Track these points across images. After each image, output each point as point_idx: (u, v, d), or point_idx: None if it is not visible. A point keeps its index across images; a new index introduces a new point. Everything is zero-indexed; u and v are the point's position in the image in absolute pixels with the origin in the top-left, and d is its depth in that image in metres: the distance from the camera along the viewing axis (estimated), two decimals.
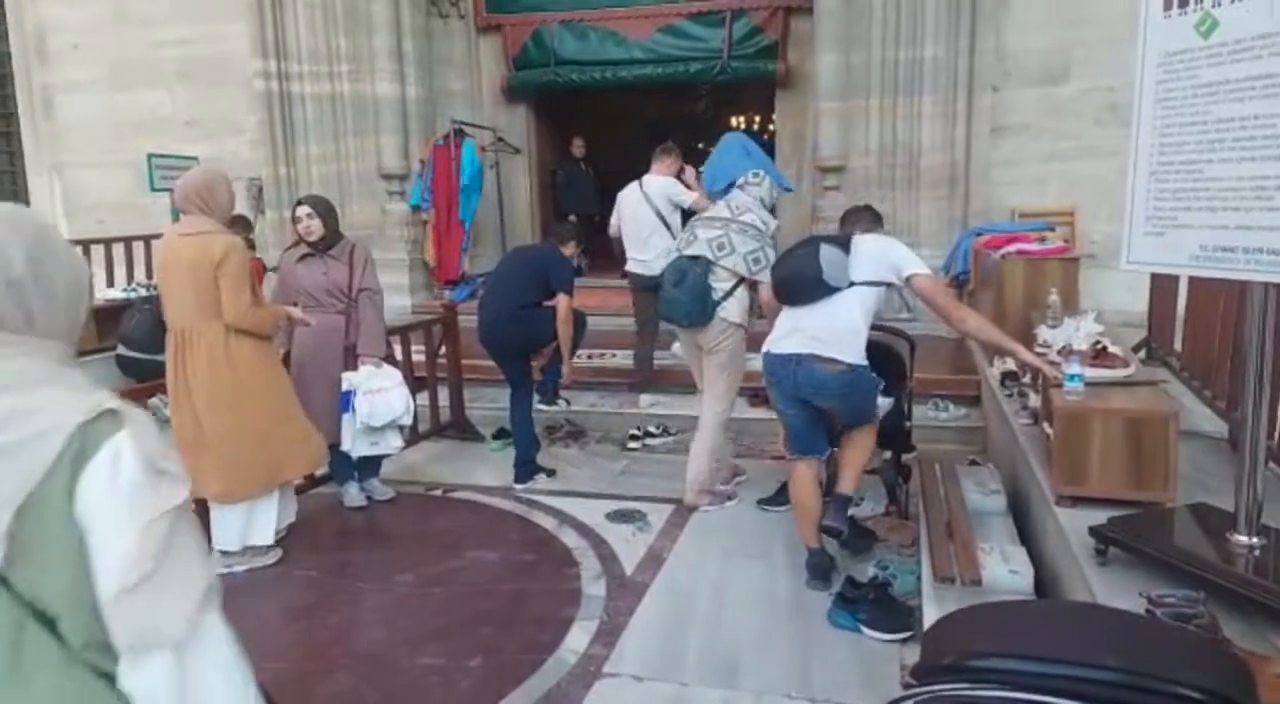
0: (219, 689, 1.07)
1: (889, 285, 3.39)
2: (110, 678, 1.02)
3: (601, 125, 10.25)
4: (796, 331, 3.32)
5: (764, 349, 3.45)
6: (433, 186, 7.73)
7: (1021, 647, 1.15)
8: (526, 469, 4.71)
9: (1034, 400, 3.60)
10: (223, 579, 3.38)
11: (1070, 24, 6.04)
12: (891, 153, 6.20)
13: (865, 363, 3.30)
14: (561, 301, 4.57)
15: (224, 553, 3.67)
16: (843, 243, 3.38)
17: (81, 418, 1.00)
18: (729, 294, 3.96)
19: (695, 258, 3.95)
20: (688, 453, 5.03)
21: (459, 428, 5.48)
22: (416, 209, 7.85)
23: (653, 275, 5.14)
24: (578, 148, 9.31)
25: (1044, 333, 3.61)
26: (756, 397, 5.53)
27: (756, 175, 4.10)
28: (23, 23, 8.17)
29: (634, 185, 5.64)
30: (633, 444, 5.29)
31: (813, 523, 3.41)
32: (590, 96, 9.94)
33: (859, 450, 3.44)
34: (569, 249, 4.84)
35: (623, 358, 6.12)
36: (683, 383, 5.79)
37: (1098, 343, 3.20)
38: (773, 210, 4.27)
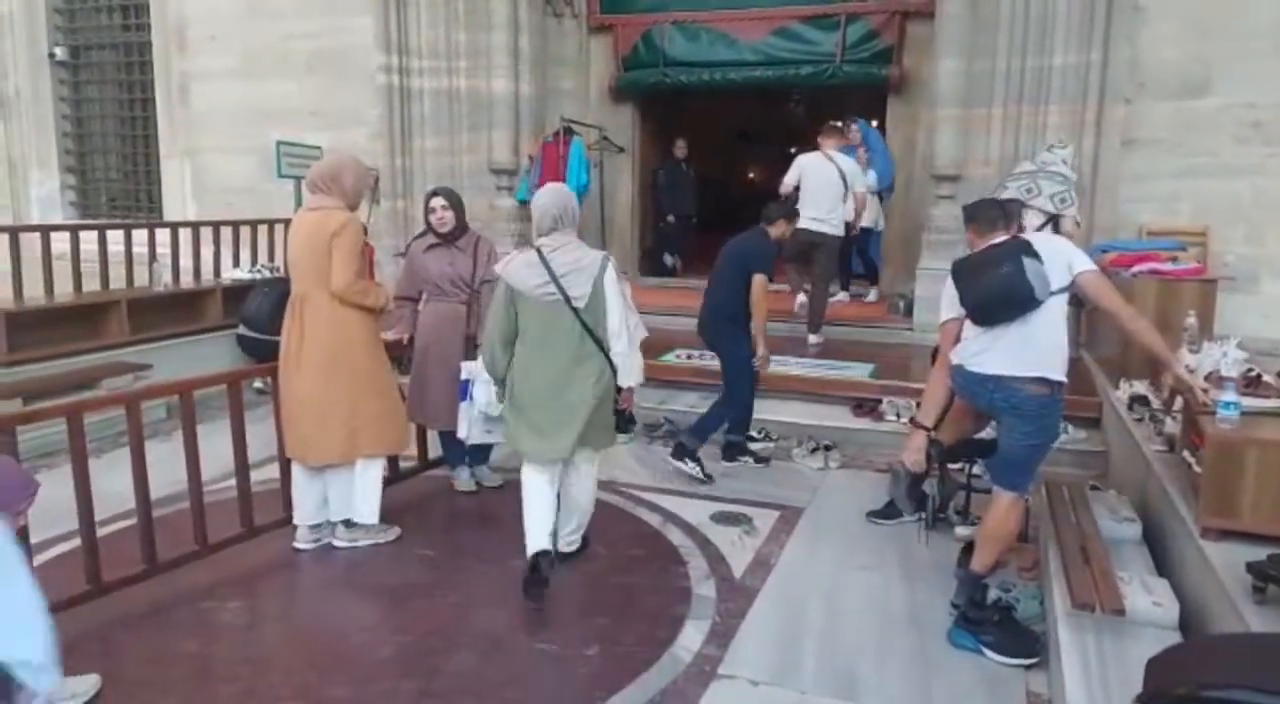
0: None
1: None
2: (606, 352, 3.39)
3: (694, 128, 10.27)
4: (995, 349, 3.05)
5: (954, 361, 3.23)
6: (539, 182, 7.85)
7: (1261, 679, 1.11)
8: (734, 448, 4.96)
9: (1170, 426, 3.47)
10: (346, 553, 3.52)
11: (1212, 35, 5.77)
12: (1013, 163, 6.01)
13: (1064, 382, 3.05)
14: (756, 281, 4.70)
15: (348, 526, 3.82)
16: (1027, 248, 3.01)
17: (600, 256, 3.40)
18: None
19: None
20: (789, 459, 5.05)
21: None
22: (524, 204, 7.99)
23: (824, 232, 6.49)
24: (680, 149, 9.34)
25: (1185, 357, 3.47)
26: (860, 406, 5.47)
27: (1061, 141, 5.51)
28: (166, 15, 8.60)
29: (817, 154, 6.62)
30: None
31: (938, 406, 3.45)
32: (693, 99, 9.97)
33: (1000, 522, 3.09)
34: (777, 229, 5.00)
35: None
36: (784, 389, 5.79)
37: (1250, 370, 3.06)
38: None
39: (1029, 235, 3.20)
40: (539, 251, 3.39)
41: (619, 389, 3.53)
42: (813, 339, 6.60)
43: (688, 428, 4.94)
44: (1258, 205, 5.69)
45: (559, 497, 3.58)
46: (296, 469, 3.81)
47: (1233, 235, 5.72)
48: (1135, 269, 4.72)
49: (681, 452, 4.76)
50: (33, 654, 1.76)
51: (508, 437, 3.61)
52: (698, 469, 4.72)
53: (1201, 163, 5.84)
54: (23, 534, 2.60)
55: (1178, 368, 3.07)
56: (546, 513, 3.48)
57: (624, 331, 3.42)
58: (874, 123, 8.07)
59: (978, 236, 3.25)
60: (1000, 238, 3.18)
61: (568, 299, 3.33)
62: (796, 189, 6.53)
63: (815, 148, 6.68)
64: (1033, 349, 2.98)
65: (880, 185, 7.53)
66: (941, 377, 3.35)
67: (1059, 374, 3.00)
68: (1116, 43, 5.86)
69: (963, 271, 3.17)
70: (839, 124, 6.92)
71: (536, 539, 3.42)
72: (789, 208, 5.22)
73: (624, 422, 3.80)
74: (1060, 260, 3.03)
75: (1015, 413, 3.02)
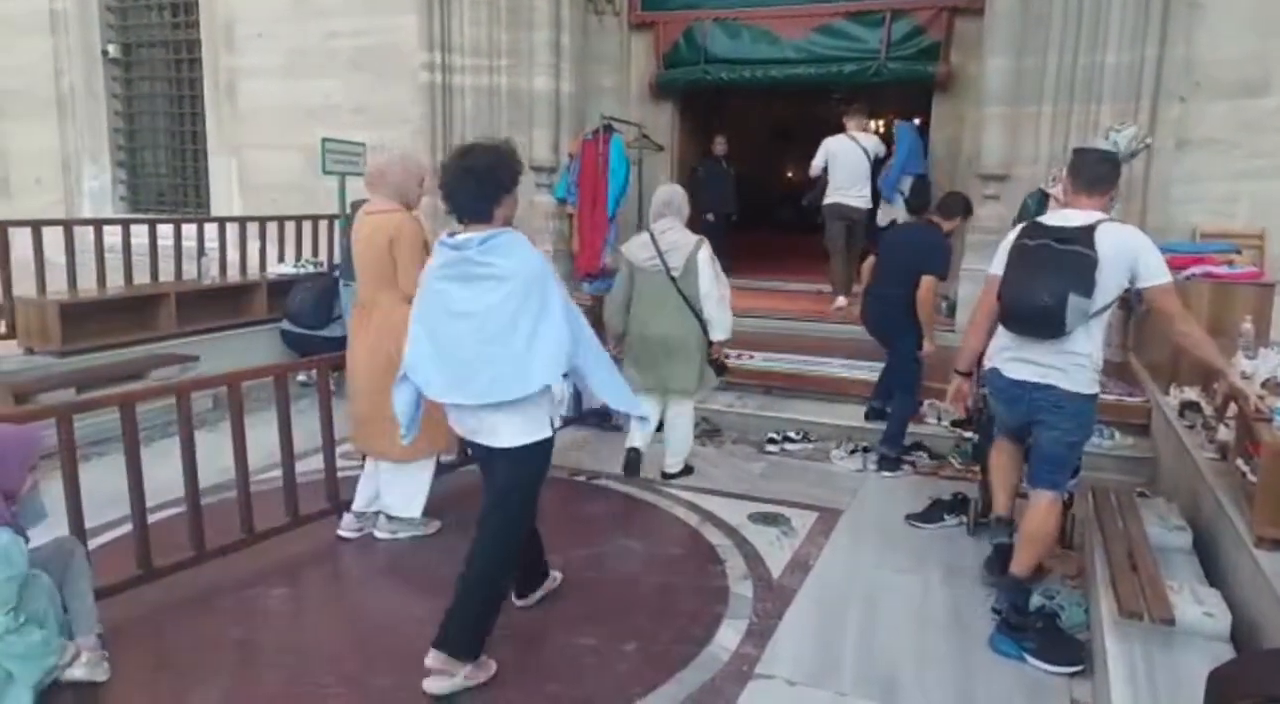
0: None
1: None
2: (698, 314, 4.38)
3: (733, 127, 10.22)
4: (1027, 362, 3.02)
5: (988, 365, 3.21)
6: (579, 181, 7.86)
7: None
8: (894, 447, 4.84)
9: (1223, 433, 3.39)
10: (388, 544, 3.56)
11: (1272, 32, 5.61)
12: (1062, 164, 5.90)
13: (1098, 391, 3.05)
14: (925, 284, 4.65)
15: (390, 518, 3.87)
16: (1082, 272, 2.83)
17: (695, 239, 4.39)
18: None
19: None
20: (827, 460, 5.02)
21: (600, 416, 5.57)
22: (562, 202, 8.02)
23: (856, 207, 7.22)
24: (719, 146, 9.29)
25: (1241, 362, 3.38)
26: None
27: (1122, 123, 5.15)
28: (214, 13, 8.76)
29: (843, 137, 7.29)
30: (771, 448, 5.26)
31: (1009, 491, 3.34)
32: (732, 97, 9.90)
33: (1041, 522, 3.04)
34: (951, 224, 4.93)
35: (761, 360, 6.10)
36: (823, 390, 5.75)
37: None
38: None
39: (1104, 227, 2.91)
40: (650, 233, 4.45)
41: (710, 343, 4.48)
42: (841, 301, 7.27)
43: (881, 442, 4.90)
44: None
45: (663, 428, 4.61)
46: (367, 459, 3.91)
47: None
48: (1189, 272, 4.61)
49: (888, 463, 4.81)
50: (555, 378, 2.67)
51: (627, 377, 3.94)
52: (910, 468, 4.80)
53: (1260, 165, 5.69)
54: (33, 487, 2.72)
55: (1232, 376, 3.00)
56: (651, 426, 4.20)
57: (713, 293, 4.39)
58: (916, 121, 7.99)
59: (1072, 191, 3.07)
60: (1092, 205, 3.00)
61: (667, 270, 4.37)
62: (825, 171, 7.33)
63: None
64: (1059, 366, 2.96)
65: (888, 181, 7.46)
66: (981, 328, 3.27)
67: (1090, 388, 2.98)
68: (1172, 40, 5.72)
69: (1020, 257, 3.00)
70: (860, 104, 7.61)
71: (635, 439, 4.62)
72: (966, 203, 5.06)
73: (718, 370, 4.64)
74: (1122, 266, 2.87)
75: (1056, 411, 2.99)
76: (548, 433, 2.79)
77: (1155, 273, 2.90)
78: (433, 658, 2.69)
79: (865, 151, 7.28)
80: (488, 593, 2.78)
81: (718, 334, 4.47)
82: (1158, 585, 2.65)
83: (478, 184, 2.71)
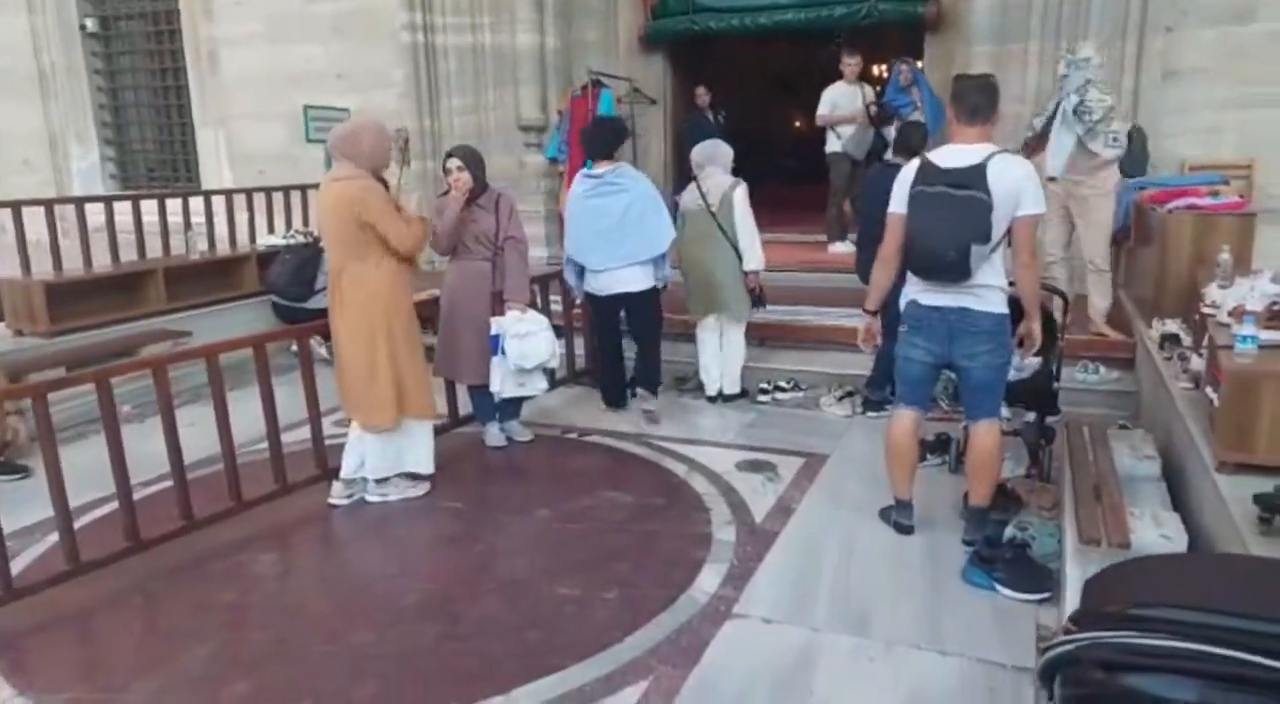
0: None
1: None
2: (735, 246, 4.96)
3: (729, 77, 10.05)
4: (936, 292, 3.16)
5: (909, 297, 3.28)
6: (569, 138, 7.80)
7: (1195, 598, 1.12)
8: (878, 390, 4.89)
9: (1196, 363, 3.39)
10: (378, 507, 3.65)
11: None
12: (1048, 100, 5.81)
13: (1008, 311, 3.17)
14: None
15: (378, 481, 3.93)
16: (980, 198, 2.94)
17: (733, 180, 4.98)
18: None
19: None
20: (817, 408, 5.06)
21: (594, 375, 5.61)
22: (553, 161, 7.96)
23: (848, 153, 7.51)
24: (701, 97, 9.12)
25: (1214, 293, 3.38)
26: None
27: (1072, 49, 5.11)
28: None
29: (842, 84, 7.55)
30: (762, 397, 5.29)
31: (907, 470, 3.41)
32: (723, 45, 9.75)
33: (986, 450, 3.23)
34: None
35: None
36: (813, 339, 5.76)
37: (1275, 303, 2.97)
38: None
39: (993, 165, 2.97)
40: (696, 181, 5.07)
41: (745, 274, 5.01)
42: (840, 247, 7.52)
43: (866, 385, 4.99)
44: None
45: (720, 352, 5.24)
46: (352, 425, 3.94)
47: (1278, 166, 5.50)
48: (1171, 205, 4.57)
49: (873, 405, 4.91)
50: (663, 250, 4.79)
51: (686, 305, 5.22)
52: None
53: (1247, 93, 5.59)
54: None
55: (1033, 323, 3.21)
56: (715, 359, 5.21)
57: (745, 226, 4.95)
58: (920, 64, 7.87)
59: (955, 121, 3.14)
60: (975, 135, 3.08)
61: (707, 205, 4.96)
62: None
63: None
64: (973, 293, 3.09)
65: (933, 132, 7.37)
66: (889, 265, 3.30)
67: (1001, 308, 3.12)
68: None
69: (921, 206, 3.07)
70: (853, 50, 7.75)
71: (713, 381, 5.24)
72: (924, 134, 4.93)
73: (755, 300, 5.12)
74: (1010, 201, 2.99)
75: (974, 335, 3.11)
76: (657, 284, 4.90)
77: (1032, 204, 3.04)
78: (641, 397, 5.07)
79: (863, 97, 7.54)
80: (657, 352, 5.08)
81: (750, 264, 4.97)
82: (1119, 512, 2.68)
83: (605, 138, 4.81)
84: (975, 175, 2.96)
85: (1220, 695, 1.07)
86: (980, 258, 3.00)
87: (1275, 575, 1.32)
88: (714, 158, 5.05)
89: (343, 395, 3.89)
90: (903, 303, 3.32)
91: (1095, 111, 4.54)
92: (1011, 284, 3.18)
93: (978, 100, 3.09)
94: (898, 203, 3.19)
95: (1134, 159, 4.82)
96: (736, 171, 5.17)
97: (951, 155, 3.08)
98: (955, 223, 2.98)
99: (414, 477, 4.00)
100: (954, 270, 3.03)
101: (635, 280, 4.76)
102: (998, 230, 3.01)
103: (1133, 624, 1.13)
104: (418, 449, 3.98)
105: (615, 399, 5.16)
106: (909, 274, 3.26)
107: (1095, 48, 4.95)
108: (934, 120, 7.28)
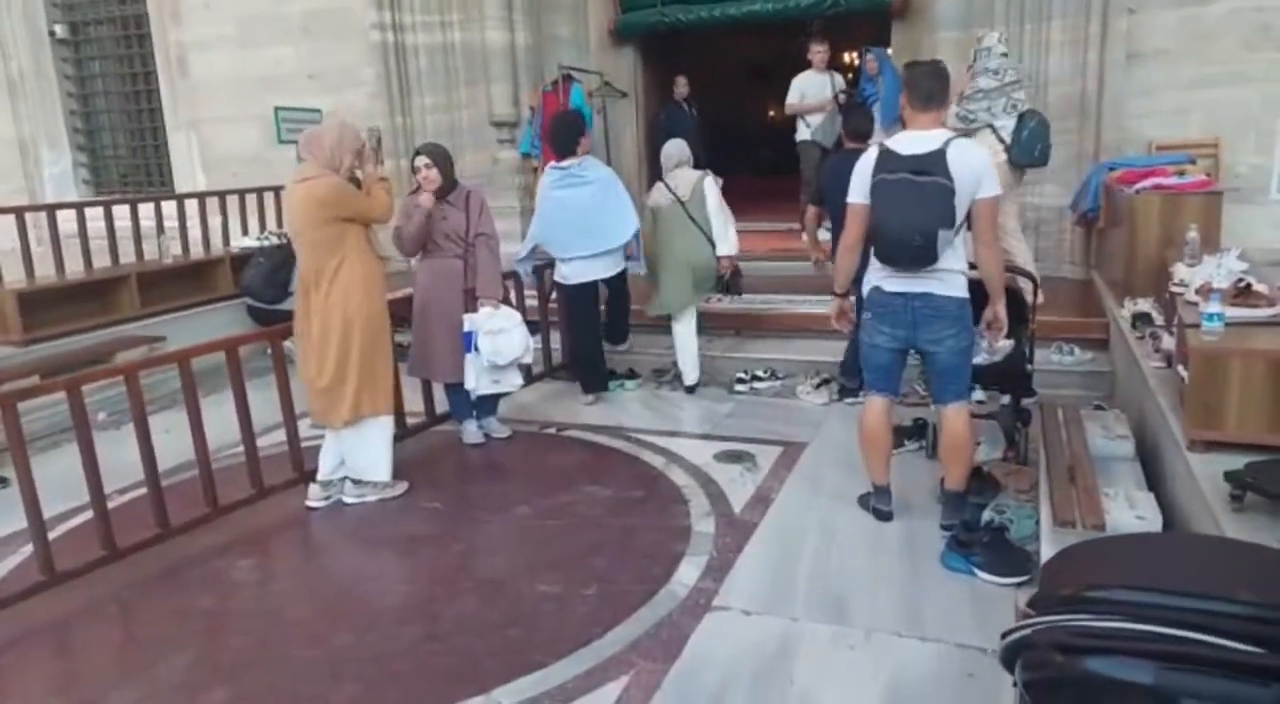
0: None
1: None
2: (708, 235, 5.12)
3: (701, 68, 10.03)
4: (901, 278, 3.17)
5: (873, 284, 3.28)
6: (542, 133, 7.78)
7: (1149, 579, 1.13)
8: (853, 376, 4.78)
9: (1167, 342, 3.43)
10: (356, 508, 3.63)
11: None
12: (1014, 86, 5.84)
13: (968, 296, 3.19)
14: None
15: (355, 482, 3.91)
16: (943, 183, 2.96)
17: (700, 174, 5.13)
18: None
19: None
20: (794, 397, 5.07)
21: (570, 370, 5.60)
22: (527, 156, 7.93)
23: (818, 141, 7.48)
24: (680, 89, 9.12)
25: (1181, 271, 3.41)
26: None
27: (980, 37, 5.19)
28: None
29: (811, 72, 7.58)
30: (740, 387, 5.30)
31: (883, 456, 3.43)
32: (695, 37, 9.73)
33: (958, 434, 3.25)
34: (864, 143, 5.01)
35: (729, 302, 6.10)
36: (789, 328, 5.78)
37: (1241, 281, 3.00)
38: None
39: (951, 150, 3.00)
40: (665, 182, 5.21)
41: (719, 259, 5.15)
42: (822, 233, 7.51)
43: (841, 372, 4.99)
44: (1267, 112, 5.50)
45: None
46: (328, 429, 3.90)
47: (1243, 145, 5.55)
48: (1139, 185, 4.60)
49: (849, 392, 4.88)
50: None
51: (661, 302, 5.24)
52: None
53: (1210, 72, 5.65)
54: None
55: (998, 306, 3.24)
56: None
57: (719, 214, 5.11)
58: (889, 51, 7.90)
59: (910, 108, 3.14)
60: (929, 121, 3.10)
61: (677, 198, 5.09)
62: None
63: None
64: (937, 277, 3.11)
65: (885, 119, 7.40)
66: (852, 250, 3.33)
67: (962, 292, 3.16)
68: None
69: (885, 195, 3.07)
70: (820, 39, 7.79)
71: (690, 373, 5.33)
72: (870, 119, 5.13)
73: (725, 284, 5.31)
74: (970, 185, 3.02)
75: (938, 320, 3.14)
76: (624, 267, 5.13)
77: (991, 186, 3.08)
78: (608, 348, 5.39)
79: (833, 85, 7.59)
80: (626, 319, 5.49)
81: (724, 249, 5.12)
82: (1093, 493, 2.71)
83: (568, 133, 4.96)
84: (936, 161, 2.98)
85: (1175, 676, 1.08)
86: (945, 242, 3.02)
87: (1234, 555, 1.34)
88: (675, 158, 5.24)
89: (313, 396, 3.83)
90: (865, 289, 3.33)
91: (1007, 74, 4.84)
92: (973, 267, 3.20)
93: (930, 86, 3.11)
94: (857, 193, 3.20)
95: (1021, 146, 4.82)
96: (710, 163, 5.21)
97: (910, 142, 3.10)
98: (920, 209, 2.99)
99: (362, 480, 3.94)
100: (921, 256, 3.05)
101: (603, 268, 4.99)
102: (960, 214, 3.04)
103: (1086, 606, 1.14)
104: (370, 450, 3.90)
105: (595, 384, 5.21)
106: (873, 261, 3.27)
107: (999, 37, 5.11)
108: (888, 106, 7.34)
